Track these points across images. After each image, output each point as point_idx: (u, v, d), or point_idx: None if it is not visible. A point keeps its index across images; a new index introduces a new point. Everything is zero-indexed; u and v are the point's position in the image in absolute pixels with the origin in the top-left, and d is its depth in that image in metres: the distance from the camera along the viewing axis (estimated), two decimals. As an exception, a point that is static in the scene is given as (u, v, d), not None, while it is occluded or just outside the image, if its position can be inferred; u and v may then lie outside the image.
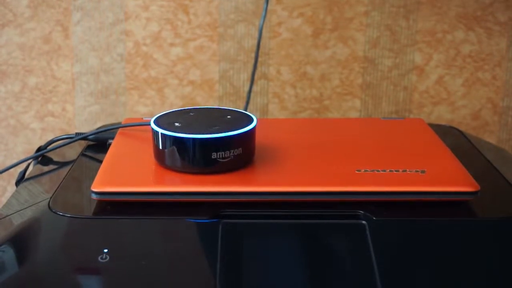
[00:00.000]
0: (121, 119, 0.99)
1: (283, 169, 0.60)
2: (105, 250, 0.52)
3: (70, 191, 0.62)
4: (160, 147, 0.59)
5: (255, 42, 0.95)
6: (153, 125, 0.60)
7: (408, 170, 0.60)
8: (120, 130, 0.70)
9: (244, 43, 0.96)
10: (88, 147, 0.73)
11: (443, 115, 0.98)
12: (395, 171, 0.60)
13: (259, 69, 0.97)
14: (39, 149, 0.73)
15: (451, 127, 0.80)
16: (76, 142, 0.73)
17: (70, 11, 0.95)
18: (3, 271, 0.52)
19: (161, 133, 0.59)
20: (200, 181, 0.58)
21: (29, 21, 0.95)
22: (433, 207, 0.57)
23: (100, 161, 0.63)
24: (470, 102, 0.98)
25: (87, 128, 0.99)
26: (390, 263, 0.52)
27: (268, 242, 0.54)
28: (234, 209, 0.56)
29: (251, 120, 0.61)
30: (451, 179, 0.59)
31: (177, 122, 0.60)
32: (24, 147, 1.00)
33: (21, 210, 0.61)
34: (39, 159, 0.74)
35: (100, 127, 0.77)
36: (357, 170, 0.60)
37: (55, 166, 0.71)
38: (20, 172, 0.73)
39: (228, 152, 0.58)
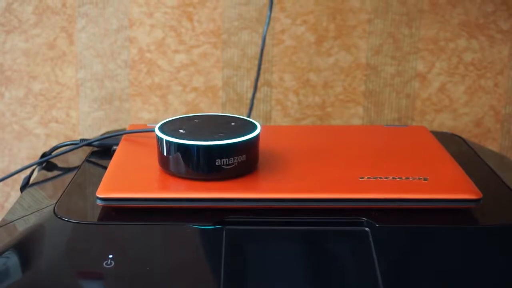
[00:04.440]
0: (125, 125, 0.99)
1: (286, 176, 0.61)
2: (110, 256, 0.52)
3: (75, 197, 0.63)
4: (165, 154, 0.60)
5: (259, 49, 0.95)
6: (157, 132, 0.60)
7: (410, 177, 0.60)
8: (124, 136, 0.70)
9: (247, 50, 0.96)
10: (93, 153, 0.73)
11: (445, 123, 0.99)
12: (398, 178, 0.60)
13: (262, 76, 0.97)
14: (43, 155, 0.74)
15: (453, 135, 0.81)
16: (80, 148, 0.74)
17: (74, 18, 0.95)
18: (8, 277, 0.53)
19: (166, 140, 0.59)
20: (204, 187, 0.58)
21: (34, 27, 0.96)
22: (436, 214, 0.57)
23: (105, 167, 0.64)
24: (473, 109, 0.98)
25: (91, 134, 0.99)
26: (393, 270, 0.52)
27: (271, 249, 0.54)
28: (238, 216, 0.56)
29: (255, 127, 0.61)
30: (453, 186, 0.59)
31: (181, 129, 0.61)
32: (28, 152, 1.00)
33: (25, 216, 0.61)
34: (44, 165, 0.74)
35: (104, 133, 0.77)
36: (360, 177, 0.60)
37: (59, 172, 0.72)
38: (25, 178, 0.73)
39: (232, 159, 0.59)
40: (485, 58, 0.97)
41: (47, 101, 0.98)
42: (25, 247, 0.56)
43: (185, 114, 0.90)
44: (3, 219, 0.62)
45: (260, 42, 0.95)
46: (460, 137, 0.79)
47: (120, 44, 0.96)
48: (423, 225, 0.56)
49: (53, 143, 0.99)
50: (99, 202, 0.57)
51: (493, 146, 0.99)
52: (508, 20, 0.95)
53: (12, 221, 0.61)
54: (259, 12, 0.95)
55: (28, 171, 0.74)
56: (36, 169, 0.75)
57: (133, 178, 0.60)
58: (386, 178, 0.60)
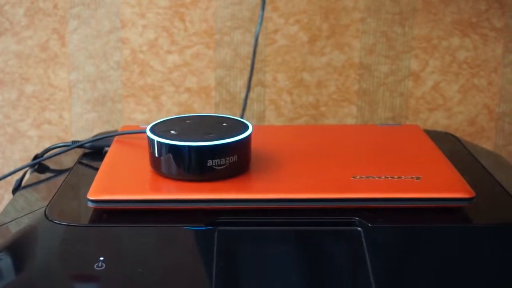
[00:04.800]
0: (118, 126, 0.99)
1: (279, 176, 0.60)
2: (101, 258, 0.52)
3: (66, 199, 0.62)
4: (156, 155, 0.60)
5: (251, 49, 0.95)
6: (149, 133, 0.60)
7: (403, 176, 0.60)
8: (116, 138, 0.70)
9: (240, 50, 0.96)
10: (85, 155, 0.73)
11: (439, 121, 0.99)
12: (391, 177, 0.60)
13: (255, 76, 0.97)
14: (35, 157, 0.74)
15: (447, 133, 0.81)
16: (72, 150, 0.73)
17: (66, 19, 0.95)
18: (-1, 280, 0.52)
19: (157, 141, 0.59)
20: (196, 188, 0.58)
21: (26, 29, 0.95)
22: (429, 213, 0.57)
23: (97, 169, 0.63)
24: (466, 108, 0.98)
25: (84, 135, 0.99)
26: (386, 270, 0.52)
27: (263, 249, 0.54)
28: (230, 217, 0.56)
29: (247, 128, 0.61)
30: (446, 185, 0.59)
31: (173, 130, 0.60)
32: (21, 154, 1.00)
33: (18, 218, 0.61)
34: (36, 167, 0.74)
35: (96, 135, 0.77)
36: (352, 177, 0.60)
37: (51, 174, 0.71)
38: (17, 180, 0.73)
39: (223, 159, 0.58)
40: (479, 56, 0.96)
41: (39, 103, 0.98)
42: (17, 249, 0.56)
43: (178, 114, 0.89)
44: (-5, 222, 0.62)
45: (253, 42, 0.95)
46: (454, 136, 0.79)
47: (113, 45, 0.96)
48: (416, 225, 0.55)
49: (46, 145, 0.98)
50: (90, 204, 0.57)
51: (487, 145, 0.99)
52: (501, 18, 0.95)
53: (5, 223, 0.61)
54: (252, 12, 0.95)
55: (20, 173, 0.74)
56: (29, 171, 0.74)
57: (124, 180, 0.60)
58: (379, 177, 0.60)
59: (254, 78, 0.97)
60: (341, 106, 0.98)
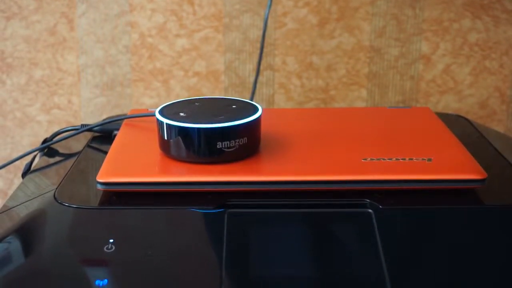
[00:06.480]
0: (127, 111, 0.99)
1: (289, 158, 0.60)
2: (111, 240, 0.52)
3: (75, 182, 0.62)
4: (165, 137, 0.59)
5: (261, 32, 0.94)
6: (158, 115, 0.60)
7: (414, 158, 0.59)
8: (125, 121, 0.70)
9: (249, 33, 0.96)
10: (94, 139, 0.73)
11: (450, 104, 0.98)
12: (402, 159, 0.59)
13: (264, 59, 0.96)
14: (44, 141, 0.73)
15: (459, 116, 0.80)
16: (81, 134, 0.73)
17: (75, 3, 0.95)
18: (9, 263, 0.52)
19: (166, 123, 0.59)
20: (206, 170, 0.58)
21: (34, 13, 0.95)
22: (440, 195, 0.57)
23: (106, 152, 0.63)
24: (478, 91, 0.97)
25: (93, 120, 0.99)
26: (397, 251, 0.52)
27: (274, 232, 0.53)
28: (240, 199, 0.56)
29: (256, 110, 0.61)
30: (458, 167, 0.58)
31: (182, 112, 0.60)
32: (30, 139, 1.00)
33: (27, 201, 0.61)
34: (45, 151, 0.74)
35: (105, 119, 0.77)
36: (363, 159, 0.59)
37: (61, 158, 0.71)
38: (26, 164, 0.73)
39: (233, 141, 0.58)
40: (490, 38, 0.95)
41: (48, 88, 0.98)
42: (27, 232, 0.56)
43: (187, 98, 0.89)
44: (4, 205, 0.62)
45: (262, 25, 0.94)
46: (465, 119, 0.79)
47: (121, 29, 0.96)
48: (427, 206, 0.55)
49: (55, 129, 0.98)
50: (99, 187, 0.57)
51: (498, 128, 0.98)
52: (513, 0, 0.94)
53: (14, 207, 0.61)
54: (261, -5, 0.94)
55: (29, 157, 0.74)
56: (38, 155, 0.74)
57: (133, 162, 0.60)
58: (390, 159, 0.59)
59: (263, 62, 0.96)
60: (351, 89, 0.98)
